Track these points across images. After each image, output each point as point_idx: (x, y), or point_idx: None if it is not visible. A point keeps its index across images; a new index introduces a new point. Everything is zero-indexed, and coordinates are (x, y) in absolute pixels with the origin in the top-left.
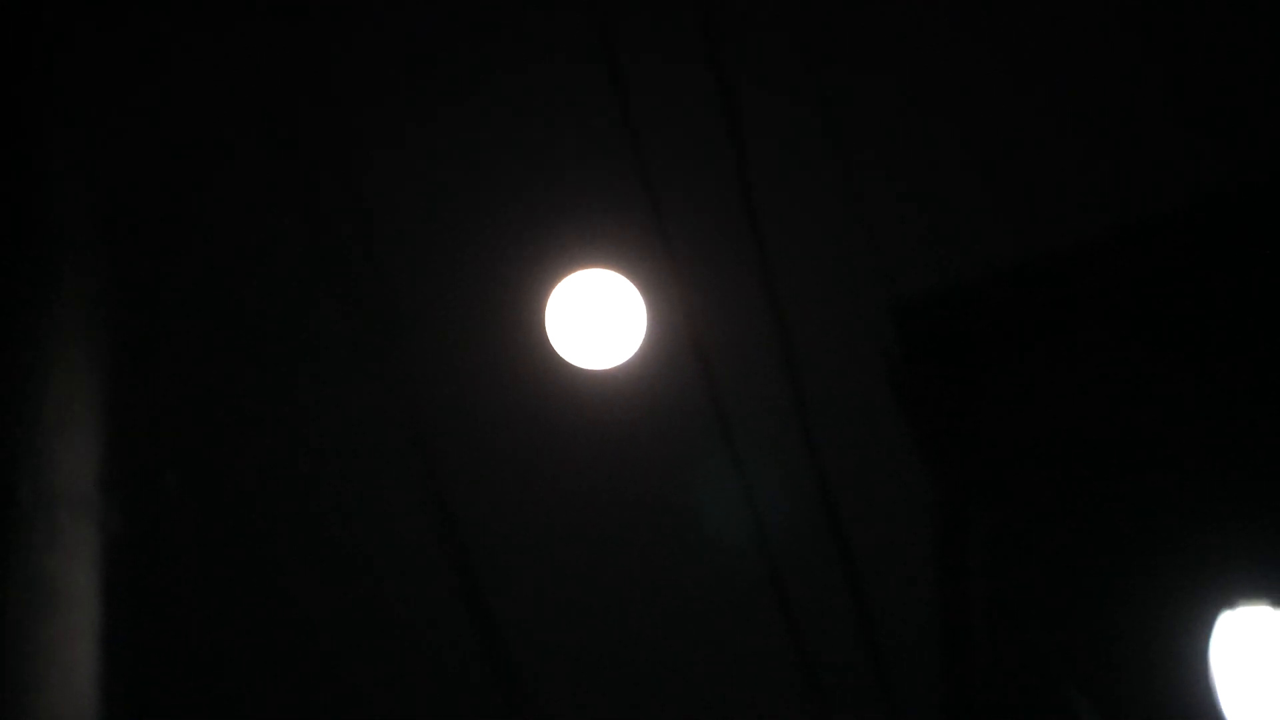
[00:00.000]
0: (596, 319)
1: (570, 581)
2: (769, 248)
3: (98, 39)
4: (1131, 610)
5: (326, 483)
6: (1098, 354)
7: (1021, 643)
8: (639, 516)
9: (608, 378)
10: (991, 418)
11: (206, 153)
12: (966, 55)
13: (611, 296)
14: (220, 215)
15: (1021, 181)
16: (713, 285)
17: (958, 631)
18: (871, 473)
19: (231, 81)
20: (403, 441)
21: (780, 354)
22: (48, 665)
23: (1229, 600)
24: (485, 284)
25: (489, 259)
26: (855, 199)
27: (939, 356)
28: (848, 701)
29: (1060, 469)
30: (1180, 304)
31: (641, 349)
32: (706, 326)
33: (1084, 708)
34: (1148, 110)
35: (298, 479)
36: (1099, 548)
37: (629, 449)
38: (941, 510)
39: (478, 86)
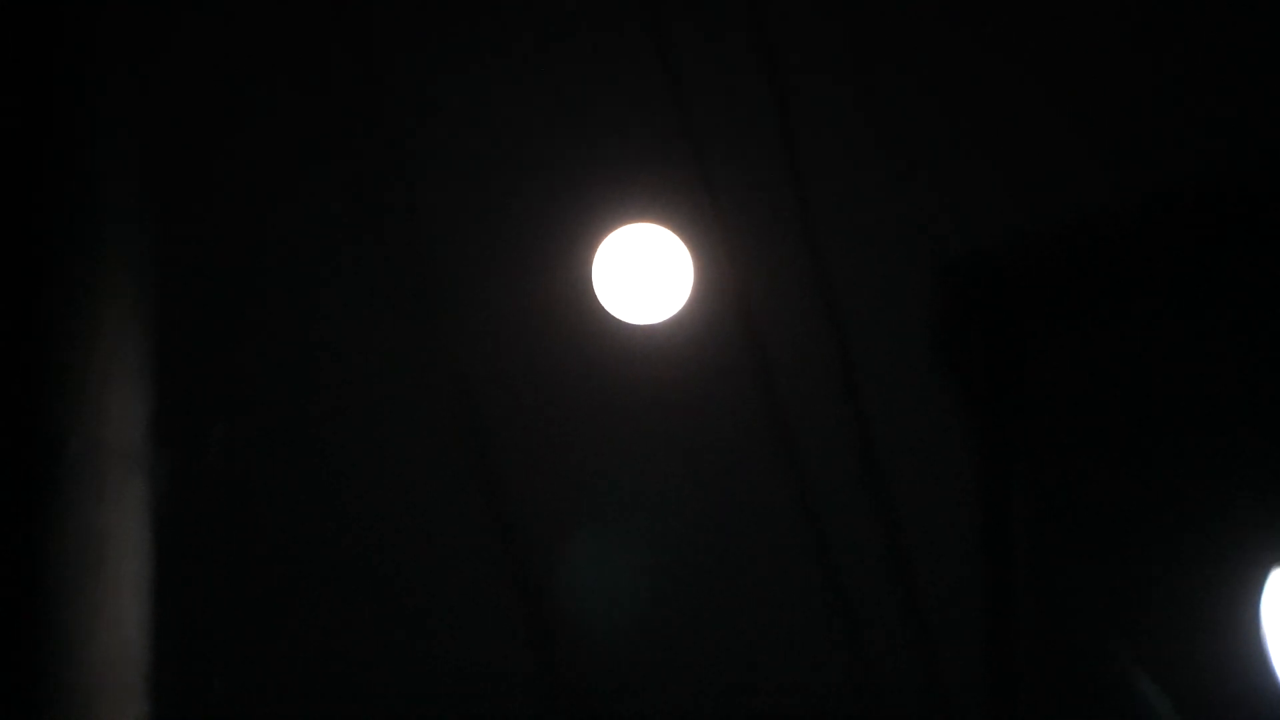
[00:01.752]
0: (643, 274)
1: (610, 533)
2: (815, 205)
3: (148, 17)
4: (1179, 570)
5: (370, 435)
6: (1145, 316)
7: (1067, 602)
8: (681, 470)
9: (654, 332)
10: (1037, 378)
11: (245, 106)
12: (1020, 10)
13: (658, 251)
14: (260, 170)
15: (1072, 143)
16: (759, 241)
17: (1001, 591)
18: (916, 431)
19: (268, 32)
20: (447, 393)
21: (825, 311)
22: (96, 617)
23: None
24: (532, 238)
25: (535, 213)
26: (903, 157)
27: (985, 317)
28: (888, 657)
29: (1106, 430)
30: (1231, 267)
31: (688, 304)
32: (753, 282)
33: (1134, 672)
34: (1204, 69)
35: (342, 435)
36: (1145, 508)
37: (674, 403)
38: (985, 470)
39: (521, 39)
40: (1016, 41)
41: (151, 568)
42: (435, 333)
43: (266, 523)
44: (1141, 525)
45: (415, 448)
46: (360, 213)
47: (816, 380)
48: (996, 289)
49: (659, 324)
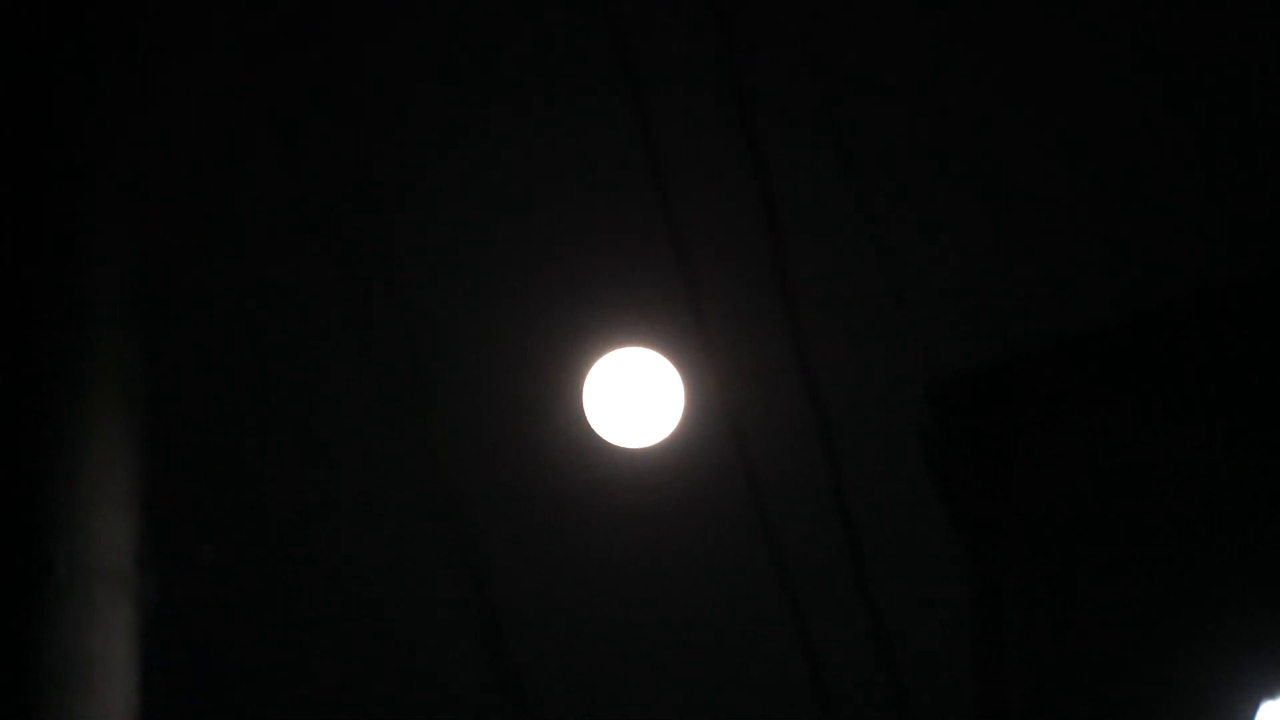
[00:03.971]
0: (634, 397)
1: (604, 656)
2: (804, 327)
3: (134, 111)
4: (1169, 695)
5: (362, 559)
6: (1129, 432)
7: (1060, 715)
8: (674, 592)
9: (645, 456)
10: (1026, 494)
11: (242, 233)
12: (1002, 140)
13: (649, 375)
14: (253, 296)
15: (1054, 262)
16: (749, 364)
17: (994, 708)
18: (907, 548)
19: (268, 169)
20: (439, 516)
21: (816, 431)
22: None
23: (1270, 689)
24: (524, 362)
25: (527, 337)
26: (890, 277)
27: (973, 433)
28: None
29: (1095, 546)
30: (1212, 384)
31: (679, 427)
32: (744, 405)
33: None
34: (1181, 191)
35: (333, 557)
36: (1135, 629)
37: (666, 526)
38: (977, 585)
39: (513, 169)
40: (1001, 175)
41: (139, 690)
42: (426, 456)
43: (256, 646)
44: (1131, 649)
45: (409, 572)
46: (353, 337)
47: (809, 501)
48: (985, 406)
49: (651, 447)
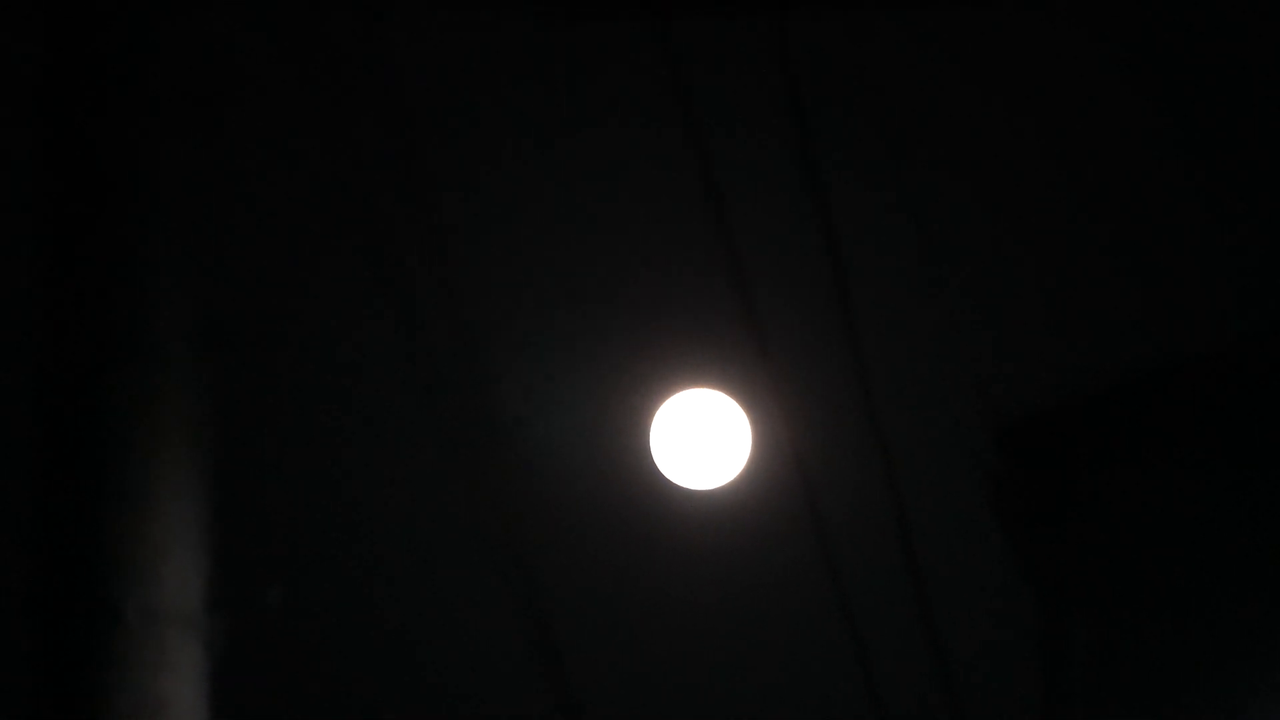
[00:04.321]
0: (701, 439)
1: (667, 696)
2: (871, 369)
3: (194, 154)
4: None
5: (426, 601)
6: (1197, 472)
7: None
8: (739, 634)
9: (712, 497)
10: (1092, 534)
11: (306, 274)
12: (1071, 180)
13: (716, 416)
14: (318, 339)
15: (1121, 306)
16: (816, 406)
17: None
18: (973, 590)
19: (330, 209)
20: (504, 559)
21: (882, 473)
22: None
23: None
24: (590, 404)
25: (594, 380)
26: (955, 315)
27: (1039, 476)
28: None
29: (1160, 589)
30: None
31: (746, 469)
32: (810, 447)
33: None
34: (1253, 234)
35: (399, 599)
36: (1201, 675)
37: (732, 567)
38: (1042, 627)
39: (579, 211)
40: (1065, 212)
41: None
42: (492, 498)
43: (325, 689)
44: (1201, 690)
45: (472, 613)
46: (419, 382)
47: (875, 545)
48: (1052, 449)
49: (716, 489)
